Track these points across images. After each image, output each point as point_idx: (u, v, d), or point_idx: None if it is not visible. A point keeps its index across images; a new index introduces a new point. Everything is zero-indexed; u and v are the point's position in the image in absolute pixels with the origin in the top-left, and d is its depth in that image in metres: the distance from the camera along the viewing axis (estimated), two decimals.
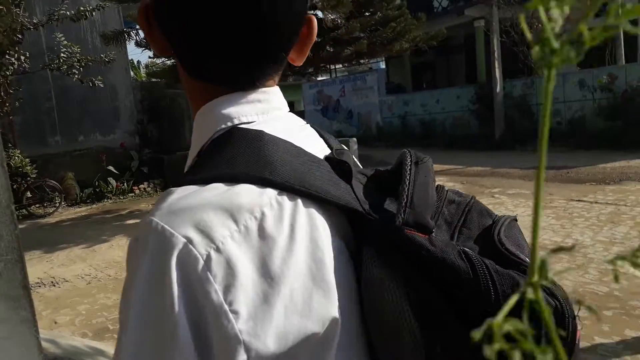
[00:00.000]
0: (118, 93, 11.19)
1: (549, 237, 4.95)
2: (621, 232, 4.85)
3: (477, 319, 0.41)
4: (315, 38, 0.63)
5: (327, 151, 0.63)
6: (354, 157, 0.66)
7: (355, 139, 8.52)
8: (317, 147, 0.63)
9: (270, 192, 0.51)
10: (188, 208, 0.48)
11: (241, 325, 0.46)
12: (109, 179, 10.29)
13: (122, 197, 10.12)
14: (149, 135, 11.62)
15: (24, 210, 8.66)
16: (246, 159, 0.52)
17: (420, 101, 14.93)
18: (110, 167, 10.39)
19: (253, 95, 0.59)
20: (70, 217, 8.80)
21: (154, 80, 13.26)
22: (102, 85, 8.80)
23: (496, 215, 0.64)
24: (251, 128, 0.56)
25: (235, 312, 0.45)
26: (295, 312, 0.49)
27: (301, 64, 0.64)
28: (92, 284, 4.91)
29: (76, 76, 8.42)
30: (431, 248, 0.53)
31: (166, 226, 0.46)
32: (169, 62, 9.16)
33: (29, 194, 8.79)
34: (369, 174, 0.63)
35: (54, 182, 9.10)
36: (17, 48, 7.67)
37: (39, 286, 4.92)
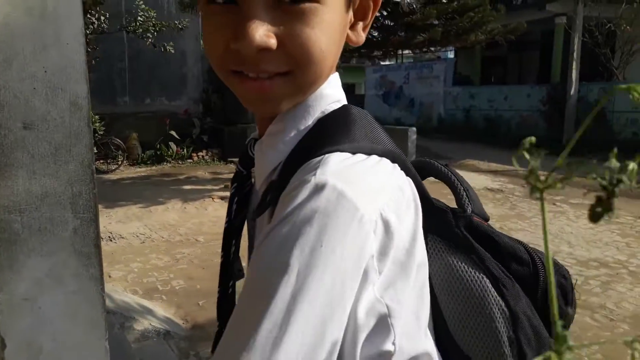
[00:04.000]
0: (187, 60, 11.44)
1: (612, 255, 4.68)
2: None
3: (533, 293, 0.65)
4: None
5: None
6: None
7: (414, 129, 8.35)
8: None
9: (398, 168, 0.56)
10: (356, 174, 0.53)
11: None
12: (170, 143, 10.60)
13: (180, 162, 10.42)
14: (212, 105, 11.84)
15: None
16: (374, 134, 0.57)
17: (487, 96, 14.40)
18: (173, 132, 10.70)
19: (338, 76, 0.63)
20: (130, 175, 9.15)
21: None
22: (172, 51, 9.02)
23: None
24: (357, 107, 0.61)
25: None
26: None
27: (360, 44, 0.63)
28: (145, 243, 5.09)
29: (150, 40, 8.67)
30: (496, 231, 0.66)
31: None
32: None
33: (95, 150, 9.20)
34: None
35: (119, 141, 9.48)
36: (98, 8, 7.95)
37: None
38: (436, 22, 7.87)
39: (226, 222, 0.67)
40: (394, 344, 0.50)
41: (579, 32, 11.33)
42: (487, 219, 0.68)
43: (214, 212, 6.31)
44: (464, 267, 0.60)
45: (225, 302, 0.68)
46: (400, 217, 0.50)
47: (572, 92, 11.65)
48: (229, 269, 0.68)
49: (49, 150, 1.12)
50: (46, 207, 1.12)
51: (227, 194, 5.84)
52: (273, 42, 0.50)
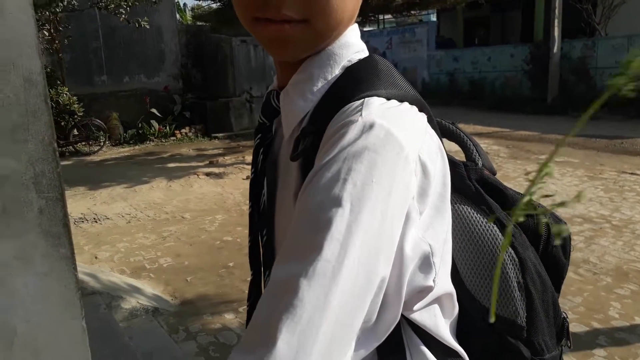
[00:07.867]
0: (163, 36, 11.17)
1: (595, 210, 4.74)
2: None
3: (536, 243, 0.70)
4: None
5: None
6: None
7: None
8: None
9: (425, 116, 0.57)
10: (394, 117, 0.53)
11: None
12: (151, 121, 10.44)
13: (164, 140, 10.29)
14: (192, 79, 11.63)
15: (70, 147, 8.93)
16: (401, 83, 0.57)
17: (470, 58, 14.29)
18: (154, 110, 10.52)
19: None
20: (113, 156, 9.04)
21: (199, 24, 13.14)
22: (147, 27, 8.79)
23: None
24: (381, 57, 0.61)
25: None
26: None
27: None
28: (131, 223, 5.06)
29: (123, 16, 8.43)
30: (503, 184, 0.71)
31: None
32: (215, 5, 9.00)
33: (75, 132, 9.04)
34: None
35: (100, 122, 9.32)
36: None
37: (82, 221, 5.11)
38: None
39: (252, 173, 0.68)
40: (434, 281, 0.54)
41: None
42: (494, 173, 0.72)
43: (199, 189, 6.27)
44: (476, 217, 0.65)
45: (258, 249, 0.70)
46: (433, 162, 0.53)
47: (555, 50, 11.59)
48: (261, 218, 0.68)
49: (5, 130, 1.08)
50: (8, 187, 1.09)
51: (212, 170, 5.82)
52: None
